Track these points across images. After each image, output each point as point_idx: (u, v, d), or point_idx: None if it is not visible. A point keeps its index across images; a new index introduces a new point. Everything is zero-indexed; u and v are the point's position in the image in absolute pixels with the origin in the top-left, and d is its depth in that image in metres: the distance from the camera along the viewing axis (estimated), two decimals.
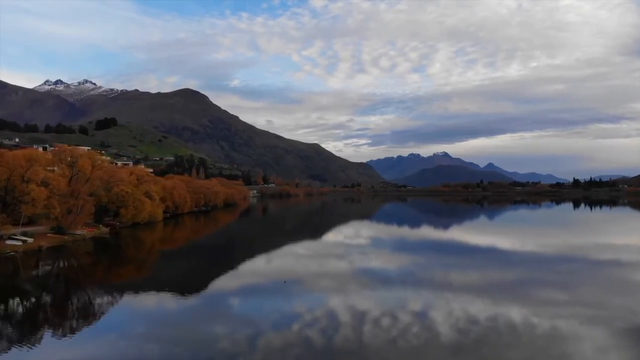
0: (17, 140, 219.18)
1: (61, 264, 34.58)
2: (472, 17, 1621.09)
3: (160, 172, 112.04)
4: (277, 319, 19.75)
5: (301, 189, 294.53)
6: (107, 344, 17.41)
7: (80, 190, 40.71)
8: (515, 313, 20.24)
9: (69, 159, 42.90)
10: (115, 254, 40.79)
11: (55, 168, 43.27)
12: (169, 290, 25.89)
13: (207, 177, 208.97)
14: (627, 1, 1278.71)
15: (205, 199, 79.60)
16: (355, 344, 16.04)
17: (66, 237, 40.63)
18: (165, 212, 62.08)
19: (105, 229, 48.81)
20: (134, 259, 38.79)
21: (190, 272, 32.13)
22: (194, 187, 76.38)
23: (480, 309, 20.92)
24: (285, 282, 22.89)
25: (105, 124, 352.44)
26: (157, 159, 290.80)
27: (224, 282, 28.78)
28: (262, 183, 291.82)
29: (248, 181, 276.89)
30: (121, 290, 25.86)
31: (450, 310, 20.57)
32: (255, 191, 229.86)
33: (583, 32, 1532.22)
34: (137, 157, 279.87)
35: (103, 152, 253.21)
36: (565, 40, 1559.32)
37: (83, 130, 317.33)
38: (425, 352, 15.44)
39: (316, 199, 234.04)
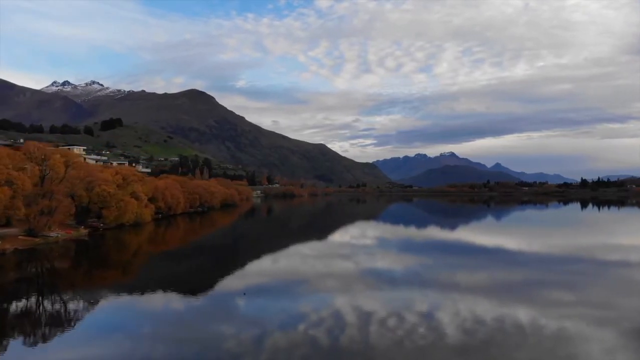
0: (21, 140, 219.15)
1: (29, 268, 32.67)
2: (479, 17, 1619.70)
3: (159, 172, 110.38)
4: (283, 319, 19.21)
5: (305, 190, 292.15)
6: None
7: (53, 190, 38.87)
8: (522, 314, 19.68)
9: (41, 157, 40.96)
10: (92, 257, 38.74)
11: (27, 167, 41.43)
12: (148, 295, 24.47)
13: (211, 177, 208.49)
14: (632, 0, 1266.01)
15: (201, 200, 77.23)
16: (362, 345, 15.95)
17: (37, 239, 38.67)
18: (157, 212, 60.08)
19: (84, 231, 46.48)
20: (112, 261, 36.70)
21: (182, 274, 30.28)
22: (189, 187, 73.90)
23: (487, 309, 20.43)
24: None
25: (110, 124, 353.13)
26: (162, 159, 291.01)
27: (219, 285, 27.39)
28: (267, 183, 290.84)
29: (252, 181, 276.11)
30: (92, 295, 24.30)
31: (457, 311, 20.08)
32: (259, 191, 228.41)
33: (589, 32, 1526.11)
34: (142, 157, 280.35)
35: (108, 152, 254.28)
36: (572, 39, 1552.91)
37: (88, 131, 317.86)
38: (431, 352, 15.33)
39: (320, 199, 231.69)
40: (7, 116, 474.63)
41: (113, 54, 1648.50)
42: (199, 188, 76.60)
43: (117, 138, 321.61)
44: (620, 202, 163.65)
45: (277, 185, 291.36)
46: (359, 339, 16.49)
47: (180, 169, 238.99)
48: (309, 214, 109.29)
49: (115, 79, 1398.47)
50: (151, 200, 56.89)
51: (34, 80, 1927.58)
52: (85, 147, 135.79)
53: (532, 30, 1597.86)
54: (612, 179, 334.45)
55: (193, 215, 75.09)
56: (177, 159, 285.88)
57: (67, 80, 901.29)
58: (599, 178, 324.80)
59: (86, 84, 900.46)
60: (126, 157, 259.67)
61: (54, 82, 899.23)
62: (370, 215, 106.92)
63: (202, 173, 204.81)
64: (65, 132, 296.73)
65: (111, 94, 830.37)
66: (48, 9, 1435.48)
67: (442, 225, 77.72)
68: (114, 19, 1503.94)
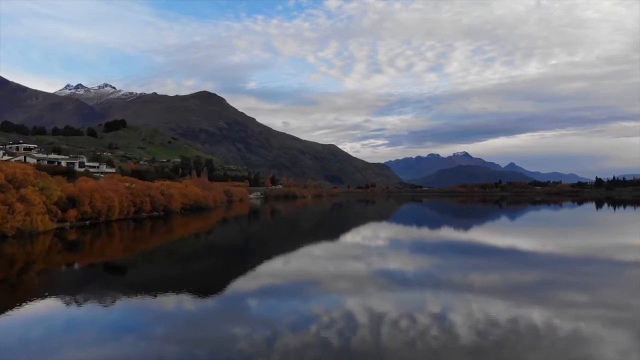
0: (21, 141, 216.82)
1: None
2: (489, 15, 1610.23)
3: (135, 173, 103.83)
4: (294, 320, 18.68)
5: (309, 190, 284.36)
6: None
7: None
8: (536, 315, 18.89)
9: None
10: None
11: None
12: None
13: (211, 178, 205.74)
14: None
15: (153, 203, 68.09)
16: (373, 346, 15.54)
17: None
18: (82, 219, 52.23)
19: None
20: None
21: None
22: (136, 189, 64.89)
23: (500, 310, 19.72)
24: None
25: (114, 125, 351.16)
26: (165, 160, 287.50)
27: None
28: (270, 184, 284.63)
29: (256, 182, 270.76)
30: None
31: (470, 312, 19.33)
32: (258, 193, 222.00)
33: (602, 29, 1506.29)
34: (145, 158, 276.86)
35: (109, 154, 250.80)
36: (584, 37, 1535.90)
37: (91, 132, 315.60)
38: (444, 353, 14.84)
39: (326, 200, 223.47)
40: (19, 119, 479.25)
41: (125, 56, 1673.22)
42: (150, 190, 67.58)
43: (120, 139, 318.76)
44: (637, 202, 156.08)
45: (280, 186, 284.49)
46: (370, 340, 16.07)
47: (181, 170, 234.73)
48: (306, 218, 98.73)
49: (128, 82, 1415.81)
50: (73, 203, 49.68)
51: (48, 83, 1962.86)
52: (35, 146, 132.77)
53: (544, 29, 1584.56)
54: (627, 178, 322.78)
55: (143, 221, 64.44)
56: (179, 160, 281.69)
57: (80, 83, 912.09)
58: (614, 177, 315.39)
59: (99, 86, 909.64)
60: (128, 158, 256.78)
61: (67, 85, 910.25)
62: (380, 217, 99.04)
63: (199, 174, 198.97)
64: (68, 134, 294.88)
65: (123, 97, 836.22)
66: (61, 13, 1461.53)
67: (454, 226, 74.66)
68: (126, 22, 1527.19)
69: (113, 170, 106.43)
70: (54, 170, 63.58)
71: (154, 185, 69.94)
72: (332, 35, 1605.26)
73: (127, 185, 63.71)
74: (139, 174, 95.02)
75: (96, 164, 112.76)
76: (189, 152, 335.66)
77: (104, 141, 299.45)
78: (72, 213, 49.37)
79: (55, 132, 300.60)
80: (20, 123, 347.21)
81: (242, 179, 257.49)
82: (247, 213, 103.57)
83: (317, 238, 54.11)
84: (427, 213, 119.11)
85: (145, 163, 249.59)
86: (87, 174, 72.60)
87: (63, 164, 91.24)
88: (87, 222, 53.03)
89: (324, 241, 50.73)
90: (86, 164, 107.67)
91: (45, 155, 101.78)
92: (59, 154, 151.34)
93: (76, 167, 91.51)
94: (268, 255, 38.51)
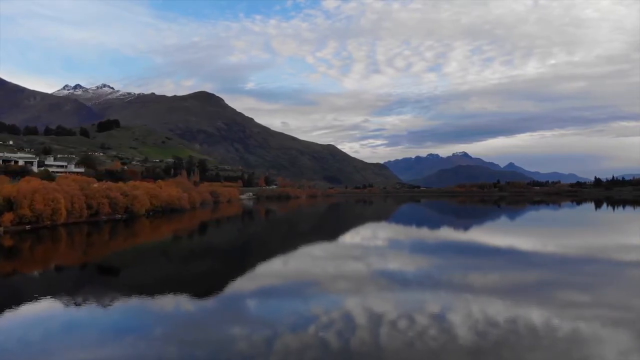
0: (10, 142, 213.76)
1: None
2: (488, 15, 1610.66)
3: (108, 173, 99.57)
4: (294, 320, 18.53)
5: (304, 191, 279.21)
6: None
7: None
8: (536, 315, 18.83)
9: None
10: None
11: None
12: None
13: (203, 179, 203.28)
14: None
15: (113, 204, 61.87)
16: (372, 346, 15.37)
17: None
18: (21, 223, 46.78)
19: None
20: None
21: None
22: (92, 189, 59.85)
23: (500, 310, 19.67)
24: None
25: (107, 125, 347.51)
26: (158, 160, 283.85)
27: None
28: (264, 184, 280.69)
29: (250, 183, 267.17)
30: None
31: (469, 312, 19.28)
32: (251, 193, 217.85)
33: (601, 29, 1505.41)
34: (137, 159, 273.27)
35: (101, 154, 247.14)
36: (584, 37, 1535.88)
37: (84, 132, 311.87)
38: (443, 353, 14.69)
39: (321, 201, 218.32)
40: (18, 120, 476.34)
41: (125, 57, 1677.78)
42: (111, 190, 62.27)
43: (113, 139, 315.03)
44: (636, 202, 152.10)
45: (275, 186, 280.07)
46: (369, 340, 15.96)
47: (173, 170, 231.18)
48: (301, 220, 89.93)
49: (127, 82, 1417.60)
50: (11, 206, 44.93)
51: (46, 84, 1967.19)
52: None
53: (543, 28, 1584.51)
54: (627, 178, 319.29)
55: (101, 225, 58.52)
56: (171, 160, 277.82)
57: (78, 84, 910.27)
58: (613, 177, 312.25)
59: (97, 87, 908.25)
60: (120, 158, 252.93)
61: (66, 85, 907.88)
62: (378, 217, 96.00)
63: (189, 175, 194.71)
64: (60, 134, 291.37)
65: (121, 97, 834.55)
66: (61, 14, 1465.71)
67: (454, 226, 74.11)
68: (125, 23, 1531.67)
69: (81, 170, 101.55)
70: (5, 169, 59.50)
71: (114, 186, 64.87)
72: (330, 36, 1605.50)
73: (83, 185, 58.73)
74: (111, 174, 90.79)
75: (64, 164, 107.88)
76: (182, 152, 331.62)
77: (96, 141, 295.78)
78: (8, 217, 44.81)
79: (48, 132, 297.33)
80: (19, 124, 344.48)
81: (235, 179, 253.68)
82: (233, 215, 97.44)
83: (315, 239, 51.82)
84: (426, 213, 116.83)
85: (138, 163, 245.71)
86: (46, 173, 68.34)
87: (20, 162, 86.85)
88: (28, 227, 48.09)
89: (323, 242, 49.07)
90: (46, 163, 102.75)
91: (1, 154, 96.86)
92: (49, 155, 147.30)
93: (34, 167, 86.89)
94: (256, 262, 35.32)
